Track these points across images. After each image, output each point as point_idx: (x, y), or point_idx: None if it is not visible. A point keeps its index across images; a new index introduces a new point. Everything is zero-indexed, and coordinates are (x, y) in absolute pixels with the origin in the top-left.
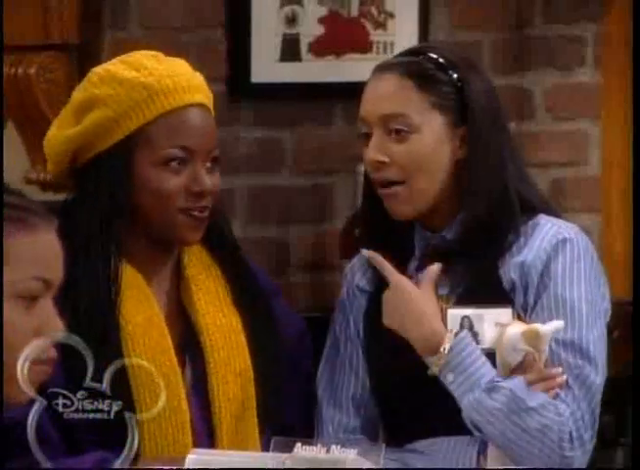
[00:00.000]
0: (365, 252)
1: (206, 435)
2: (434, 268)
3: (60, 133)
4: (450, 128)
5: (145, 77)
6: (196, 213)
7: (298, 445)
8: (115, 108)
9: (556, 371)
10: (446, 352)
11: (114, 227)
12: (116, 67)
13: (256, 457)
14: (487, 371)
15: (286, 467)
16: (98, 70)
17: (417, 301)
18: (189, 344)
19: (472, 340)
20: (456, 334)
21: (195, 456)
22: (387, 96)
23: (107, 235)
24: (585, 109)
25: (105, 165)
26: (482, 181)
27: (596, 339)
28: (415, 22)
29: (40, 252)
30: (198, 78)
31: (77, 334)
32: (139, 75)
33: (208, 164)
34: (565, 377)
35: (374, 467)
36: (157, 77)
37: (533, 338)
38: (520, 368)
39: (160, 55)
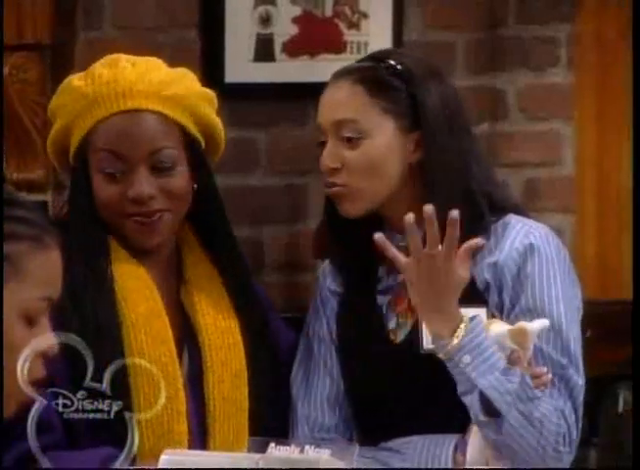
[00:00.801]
0: (378, 236)
1: (199, 431)
2: (474, 242)
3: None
4: (402, 133)
5: (87, 86)
6: (141, 219)
7: (272, 445)
8: (65, 118)
9: (541, 370)
10: (462, 335)
11: (92, 229)
12: (74, 76)
13: (230, 458)
14: (500, 356)
15: (259, 467)
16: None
17: (441, 276)
18: (187, 340)
19: (481, 327)
20: (471, 319)
21: (168, 457)
22: (338, 103)
23: (90, 235)
24: (559, 109)
25: (71, 173)
26: (439, 184)
27: (575, 337)
28: (389, 22)
29: (50, 271)
30: (142, 79)
31: (79, 324)
32: (83, 85)
33: (167, 166)
34: (550, 376)
35: (347, 467)
36: (96, 86)
37: (519, 335)
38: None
39: (123, 58)
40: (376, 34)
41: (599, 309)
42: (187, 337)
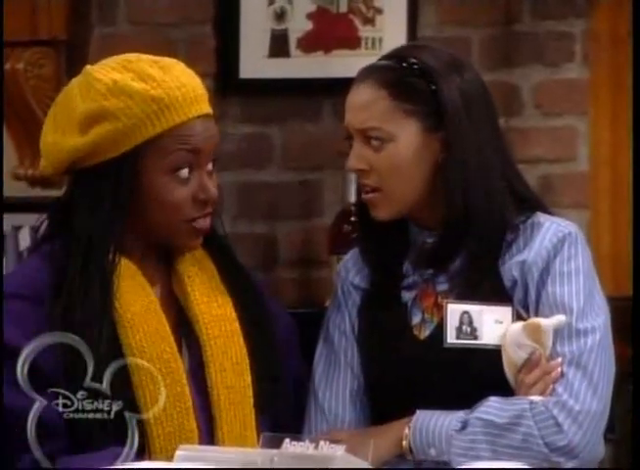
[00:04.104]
0: None
1: (206, 422)
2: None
3: (63, 141)
4: (428, 133)
5: (154, 90)
6: (200, 222)
7: (287, 440)
8: (126, 121)
9: (555, 364)
10: (409, 444)
11: (114, 229)
12: (123, 77)
13: (245, 454)
14: (450, 425)
15: (274, 464)
16: (103, 78)
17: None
18: (185, 333)
19: (423, 416)
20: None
21: (183, 452)
22: (361, 108)
23: (106, 235)
24: (573, 105)
25: (110, 174)
26: (460, 183)
27: (594, 322)
28: (403, 17)
29: None
30: (198, 84)
31: (75, 329)
32: (148, 88)
33: (209, 167)
34: (559, 370)
35: (362, 463)
36: (165, 90)
37: (535, 331)
38: (526, 366)
39: (160, 60)
40: (391, 30)
41: (612, 306)
42: (183, 328)
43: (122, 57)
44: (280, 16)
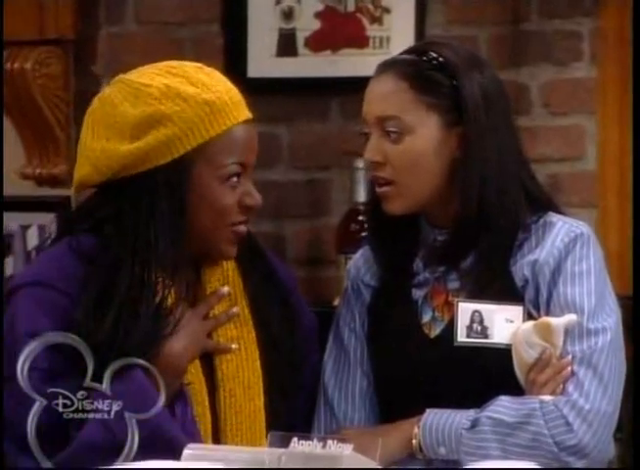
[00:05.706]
0: None
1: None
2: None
3: (113, 147)
4: (446, 128)
5: (206, 94)
6: (242, 228)
7: (295, 439)
8: (181, 125)
9: (566, 362)
10: (419, 443)
11: (177, 240)
12: (173, 80)
13: (253, 453)
14: (460, 423)
15: (282, 463)
16: (151, 82)
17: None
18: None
19: (433, 415)
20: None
21: (190, 451)
22: (381, 98)
23: (168, 250)
24: (581, 104)
25: (163, 181)
26: (476, 180)
27: (605, 322)
28: (411, 17)
29: None
30: (236, 89)
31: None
32: (200, 91)
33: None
34: (569, 369)
35: (370, 462)
36: (215, 94)
37: (546, 330)
38: (537, 366)
39: (201, 66)
40: (398, 29)
41: (620, 305)
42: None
43: (162, 63)
44: (288, 15)
